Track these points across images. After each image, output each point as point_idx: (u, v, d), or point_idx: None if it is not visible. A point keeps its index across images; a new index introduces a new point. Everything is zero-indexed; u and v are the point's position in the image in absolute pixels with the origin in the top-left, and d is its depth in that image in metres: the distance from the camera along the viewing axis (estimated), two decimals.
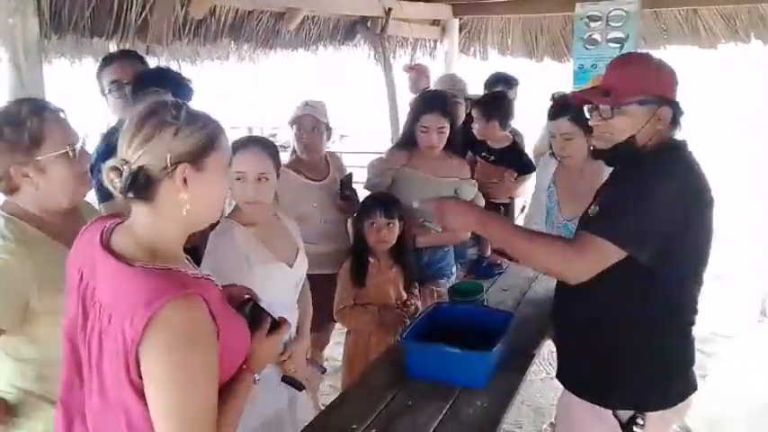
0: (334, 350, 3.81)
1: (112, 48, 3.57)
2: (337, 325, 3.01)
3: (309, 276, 2.66)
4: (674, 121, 1.69)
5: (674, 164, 1.66)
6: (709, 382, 3.46)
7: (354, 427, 1.88)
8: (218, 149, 1.23)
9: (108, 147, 1.85)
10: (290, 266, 2.09)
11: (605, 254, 1.59)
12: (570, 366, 1.87)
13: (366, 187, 2.92)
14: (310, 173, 2.82)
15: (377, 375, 2.22)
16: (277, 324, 1.37)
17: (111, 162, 1.16)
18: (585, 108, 1.79)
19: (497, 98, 3.39)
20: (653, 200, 1.59)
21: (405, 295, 2.66)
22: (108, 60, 2.61)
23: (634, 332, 1.66)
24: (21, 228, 1.53)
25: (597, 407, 1.73)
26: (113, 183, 1.16)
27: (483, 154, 3.24)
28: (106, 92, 2.54)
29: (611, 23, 4.57)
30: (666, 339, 1.71)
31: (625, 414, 1.70)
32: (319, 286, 2.70)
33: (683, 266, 1.66)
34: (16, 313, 1.49)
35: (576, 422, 1.83)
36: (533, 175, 3.38)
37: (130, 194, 1.16)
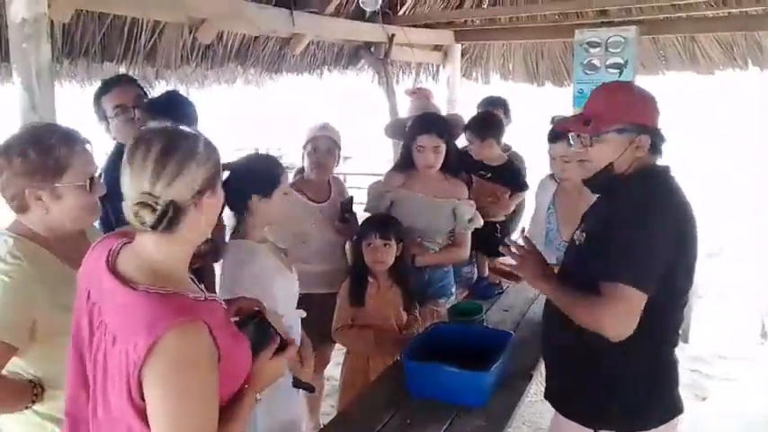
0: (335, 370, 3.83)
1: (122, 72, 3.67)
2: (337, 345, 3.04)
3: (308, 295, 2.70)
4: (654, 149, 1.73)
5: (660, 193, 1.69)
6: (710, 405, 3.46)
7: None
8: (220, 174, 1.29)
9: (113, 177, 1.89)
10: (292, 273, 2.22)
11: (634, 300, 1.61)
12: (556, 388, 1.91)
13: (366, 210, 2.95)
14: (313, 194, 2.87)
15: (376, 394, 2.25)
16: (284, 344, 1.39)
17: (135, 198, 1.18)
18: (570, 136, 1.84)
19: (486, 118, 3.42)
20: (652, 235, 1.62)
21: (405, 316, 2.66)
22: (108, 86, 2.57)
23: (617, 357, 1.68)
24: (30, 248, 1.56)
25: (584, 428, 1.77)
26: (141, 218, 1.18)
27: (480, 172, 3.27)
28: (109, 116, 2.52)
29: (609, 49, 4.66)
30: (648, 363, 1.73)
31: None
32: (317, 305, 2.73)
33: (668, 292, 1.68)
34: (26, 332, 1.50)
35: None
36: (525, 193, 3.43)
37: (159, 227, 1.18)
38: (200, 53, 3.80)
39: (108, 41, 3.41)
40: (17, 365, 1.53)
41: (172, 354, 1.12)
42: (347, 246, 2.92)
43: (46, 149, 1.53)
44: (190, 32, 3.62)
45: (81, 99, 3.96)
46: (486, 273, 3.37)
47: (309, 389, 1.85)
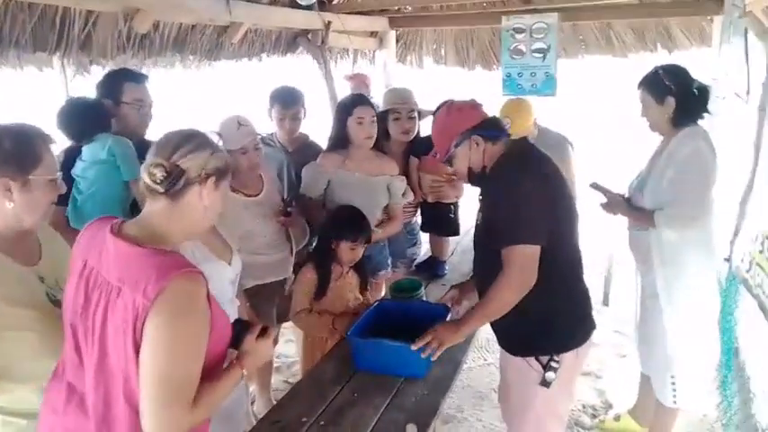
0: (285, 348, 3.98)
1: (56, 61, 3.60)
2: (286, 324, 3.17)
3: (261, 286, 2.80)
4: (493, 139, 2.09)
5: (522, 166, 2.05)
6: (628, 361, 3.81)
7: (305, 419, 2.02)
8: (228, 179, 1.51)
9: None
10: (229, 264, 2.23)
11: (528, 255, 1.96)
12: (500, 332, 2.23)
13: (301, 192, 3.02)
14: (247, 189, 2.80)
15: (326, 370, 2.37)
16: (266, 328, 1.59)
17: (153, 160, 1.39)
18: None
19: None
20: (525, 196, 1.97)
21: (361, 298, 2.79)
22: (135, 78, 2.78)
23: (540, 297, 2.00)
24: None
25: (525, 358, 2.12)
26: (155, 177, 1.37)
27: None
28: (126, 102, 2.72)
29: (534, 35, 4.90)
30: (565, 298, 2.11)
31: (544, 359, 2.08)
32: (268, 292, 2.86)
33: (563, 235, 2.06)
34: None
35: (512, 370, 2.21)
36: None
37: (165, 189, 1.38)
38: (137, 42, 3.75)
39: (40, 31, 3.33)
40: None
41: (178, 297, 1.28)
42: (290, 231, 2.98)
43: (23, 140, 1.54)
44: (125, 22, 3.57)
45: (14, 85, 3.89)
46: (444, 253, 3.53)
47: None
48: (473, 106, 2.16)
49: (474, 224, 2.25)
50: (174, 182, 1.39)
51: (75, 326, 1.41)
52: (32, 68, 3.60)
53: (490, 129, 2.11)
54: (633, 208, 2.74)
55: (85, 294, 1.37)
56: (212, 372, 1.42)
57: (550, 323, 2.08)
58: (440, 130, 2.20)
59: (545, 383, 2.07)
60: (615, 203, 2.80)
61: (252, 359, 1.53)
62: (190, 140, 1.43)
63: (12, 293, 1.54)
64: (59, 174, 1.64)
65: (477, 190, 2.22)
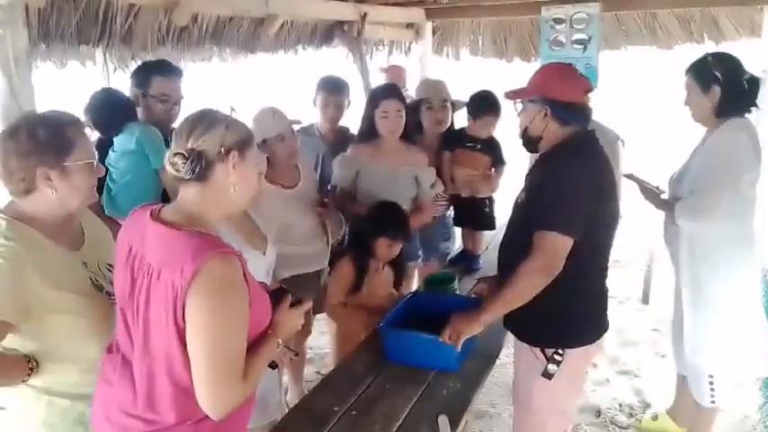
0: (319, 340, 4.01)
1: (98, 54, 3.69)
2: (319, 316, 3.20)
3: (297, 276, 2.82)
4: (563, 121, 2.04)
5: (579, 156, 2.01)
6: (668, 361, 3.72)
7: (336, 409, 2.04)
8: (254, 148, 1.51)
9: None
10: (263, 254, 2.28)
11: (559, 244, 1.93)
12: (512, 319, 2.21)
13: (333, 181, 3.05)
14: (284, 181, 2.82)
15: (357, 361, 2.38)
16: (299, 299, 1.61)
17: (172, 150, 1.41)
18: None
19: (483, 97, 3.37)
20: (573, 185, 1.94)
21: (395, 293, 2.80)
22: (162, 72, 2.76)
23: (557, 288, 1.98)
24: (22, 230, 1.58)
25: (531, 348, 2.12)
26: (177, 167, 1.40)
27: (468, 144, 3.35)
28: (152, 96, 2.72)
29: (574, 26, 4.79)
30: (582, 294, 2.09)
31: (549, 351, 2.08)
32: (305, 283, 2.88)
33: (598, 235, 2.03)
34: (21, 309, 1.53)
35: (520, 359, 2.22)
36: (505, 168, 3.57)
37: (189, 175, 1.40)
38: (176, 35, 3.82)
39: (83, 25, 3.42)
40: (13, 341, 1.57)
41: (215, 276, 1.31)
42: (327, 223, 3.00)
43: (55, 128, 1.57)
44: (165, 15, 3.64)
45: (57, 80, 4.00)
46: (478, 247, 3.51)
47: (273, 366, 1.97)
48: (576, 85, 2.09)
49: (513, 202, 2.21)
50: (196, 165, 1.40)
51: (124, 309, 1.46)
52: (75, 63, 3.72)
53: (566, 111, 2.05)
54: (663, 200, 2.70)
55: (131, 278, 1.42)
56: (256, 344, 1.47)
57: (562, 316, 2.06)
58: (535, 78, 2.14)
59: (547, 375, 2.07)
60: (647, 194, 2.78)
61: (284, 329, 1.56)
62: (201, 121, 1.43)
63: (57, 278, 1.58)
64: (96, 156, 1.68)
65: (513, 185, 2.20)
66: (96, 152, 2.50)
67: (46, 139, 1.56)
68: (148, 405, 1.40)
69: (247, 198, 1.53)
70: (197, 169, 1.40)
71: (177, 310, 1.32)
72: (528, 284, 1.99)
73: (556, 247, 1.94)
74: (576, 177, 1.96)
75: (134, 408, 1.42)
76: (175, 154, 1.40)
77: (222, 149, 1.42)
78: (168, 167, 1.43)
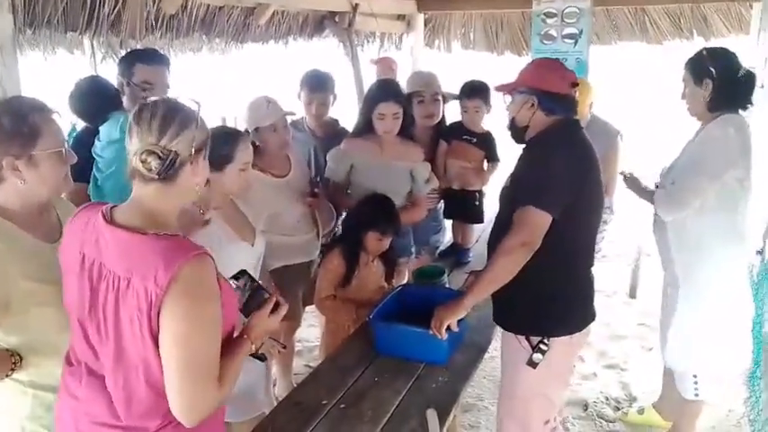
0: (307, 332, 4.01)
1: (86, 42, 3.64)
2: (308, 308, 3.18)
3: (286, 266, 2.81)
4: (549, 111, 2.09)
5: (563, 141, 2.09)
6: (654, 354, 3.76)
7: (325, 402, 2.02)
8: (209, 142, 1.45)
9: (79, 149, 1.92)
10: (252, 245, 2.26)
11: (538, 219, 1.98)
12: (498, 308, 2.25)
13: (327, 175, 3.03)
14: (275, 170, 2.81)
15: (347, 354, 2.37)
16: (278, 304, 1.58)
17: (143, 148, 1.32)
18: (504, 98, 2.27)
19: (475, 82, 3.37)
20: (555, 165, 1.99)
21: (386, 286, 2.79)
22: (148, 58, 2.65)
23: (542, 273, 2.01)
24: None
25: (516, 336, 2.14)
26: (149, 164, 1.32)
27: (464, 137, 3.34)
28: (134, 84, 2.61)
29: (565, 20, 4.78)
30: (566, 281, 2.11)
31: (535, 339, 2.10)
32: (294, 274, 2.86)
33: (580, 219, 2.06)
34: (1, 304, 1.50)
35: (506, 347, 2.25)
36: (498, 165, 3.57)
37: (161, 176, 1.33)
38: (165, 23, 3.77)
39: (71, 11, 3.37)
40: None
41: (192, 281, 1.26)
42: (317, 214, 2.99)
43: (19, 117, 1.51)
44: (154, 2, 3.59)
45: (45, 68, 3.94)
46: (468, 240, 3.52)
47: (261, 358, 1.90)
48: (562, 77, 2.14)
49: (500, 192, 2.25)
50: (170, 167, 1.33)
51: (83, 321, 1.39)
52: (63, 51, 3.66)
53: (553, 101, 2.10)
54: (645, 190, 2.75)
55: (91, 288, 1.35)
56: (226, 346, 1.42)
57: (547, 302, 2.09)
58: (524, 71, 2.21)
59: (531, 364, 2.10)
60: (629, 183, 2.84)
61: (258, 332, 1.53)
62: (173, 118, 1.34)
63: (35, 270, 1.55)
64: (66, 144, 1.61)
65: (502, 180, 2.22)
66: (82, 139, 2.49)
67: (10, 128, 1.50)
68: (129, 414, 1.35)
69: (199, 187, 1.46)
70: (170, 170, 1.34)
71: (152, 319, 1.26)
72: (509, 260, 2.00)
73: (536, 221, 1.98)
74: (557, 157, 2.02)
75: (112, 418, 1.37)
76: (149, 152, 1.31)
77: (193, 151, 1.36)
78: (137, 164, 1.33)
